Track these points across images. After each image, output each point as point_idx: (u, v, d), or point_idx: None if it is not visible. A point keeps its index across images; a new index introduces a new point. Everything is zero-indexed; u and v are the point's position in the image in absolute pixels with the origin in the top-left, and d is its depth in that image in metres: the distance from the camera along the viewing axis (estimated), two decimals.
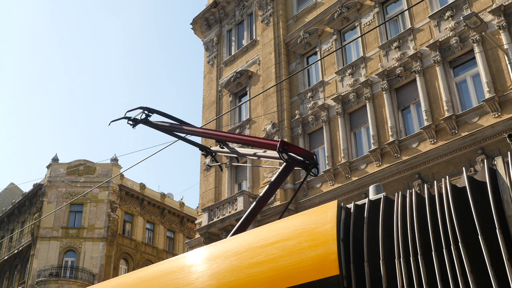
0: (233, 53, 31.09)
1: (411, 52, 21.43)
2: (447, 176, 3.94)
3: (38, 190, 44.88)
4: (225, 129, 29.08)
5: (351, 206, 4.14)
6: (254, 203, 6.60)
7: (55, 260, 40.43)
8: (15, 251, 45.14)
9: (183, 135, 8.12)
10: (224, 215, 25.63)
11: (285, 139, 25.20)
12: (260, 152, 6.95)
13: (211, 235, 25.82)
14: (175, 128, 7.93)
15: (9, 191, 61.07)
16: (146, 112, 7.99)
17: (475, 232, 3.39)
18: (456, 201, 3.61)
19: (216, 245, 4.80)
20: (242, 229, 6.31)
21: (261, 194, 6.63)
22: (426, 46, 20.86)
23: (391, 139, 20.83)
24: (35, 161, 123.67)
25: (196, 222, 30.03)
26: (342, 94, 23.57)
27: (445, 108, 19.50)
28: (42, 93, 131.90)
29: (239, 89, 29.76)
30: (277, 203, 24.07)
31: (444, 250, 3.49)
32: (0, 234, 50.45)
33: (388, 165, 20.70)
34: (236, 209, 24.97)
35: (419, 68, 20.80)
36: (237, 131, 28.29)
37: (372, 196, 4.32)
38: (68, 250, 41.24)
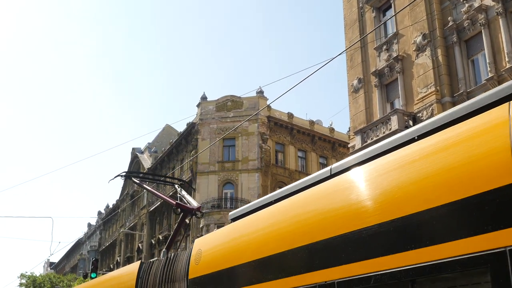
0: None
1: None
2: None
3: (191, 129, 46.70)
4: (371, 45, 27.66)
5: (152, 260, 8.53)
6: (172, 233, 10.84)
7: (215, 193, 42.25)
8: None
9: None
10: (378, 136, 24.70)
11: (439, 50, 23.42)
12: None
13: None
14: (142, 186, 12.57)
15: (165, 132, 64.53)
16: (128, 175, 12.84)
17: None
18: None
19: None
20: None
21: (172, 234, 10.83)
22: None
23: None
24: (186, 101, 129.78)
25: (348, 146, 29.36)
26: None
27: None
28: (188, 36, 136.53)
29: (382, 3, 27.93)
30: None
31: None
32: (163, 172, 53.64)
33: None
34: (390, 129, 23.91)
35: None
36: (384, 47, 26.77)
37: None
38: (226, 183, 42.83)
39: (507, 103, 3.30)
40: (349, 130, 31.83)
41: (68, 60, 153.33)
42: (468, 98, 21.94)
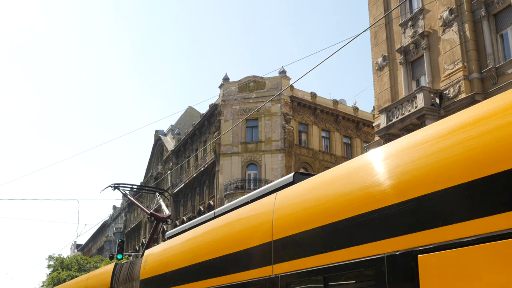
0: None
1: None
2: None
3: (214, 110, 46.55)
4: (396, 22, 27.06)
5: (123, 262, 11.79)
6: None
7: (239, 174, 42.15)
8: (202, 169, 47.87)
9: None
10: (403, 114, 24.24)
11: (466, 25, 22.78)
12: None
13: (391, 136, 24.61)
14: (127, 196, 15.41)
15: (188, 114, 64.51)
16: (116, 185, 14.81)
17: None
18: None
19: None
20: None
21: (148, 239, 12.87)
22: None
23: None
24: (208, 83, 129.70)
25: (373, 125, 28.93)
26: None
27: None
28: (209, 16, 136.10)
29: None
30: (463, 95, 22.08)
31: None
32: (186, 154, 53.75)
33: None
34: (416, 107, 23.44)
35: None
36: (409, 24, 26.18)
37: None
38: (250, 164, 42.68)
39: (274, 194, 5.77)
40: (374, 109, 31.37)
41: (91, 44, 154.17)
42: (497, 74, 21.37)
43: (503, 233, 2.82)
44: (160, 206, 14.97)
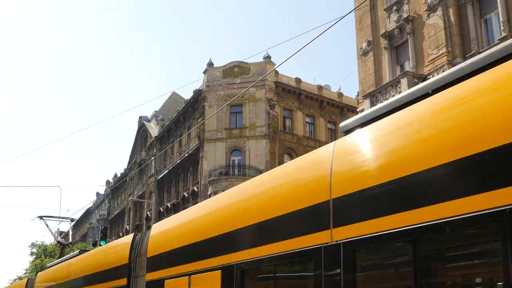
0: None
1: None
2: None
3: (198, 96, 46.25)
4: (381, 6, 26.91)
5: (33, 277, 17.76)
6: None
7: (223, 160, 42.00)
8: (186, 155, 47.65)
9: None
10: (387, 99, 24.14)
11: (450, 9, 22.74)
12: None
13: None
14: (48, 227, 19.63)
15: (172, 99, 64.01)
16: (41, 217, 19.53)
17: None
18: None
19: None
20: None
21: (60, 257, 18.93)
22: None
23: None
24: (192, 68, 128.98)
25: (357, 110, 28.87)
26: None
27: None
28: (193, 2, 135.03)
29: None
30: None
31: None
32: (170, 140, 53.45)
33: None
34: (400, 92, 23.36)
35: None
36: (394, 8, 26.10)
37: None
38: (234, 150, 42.53)
39: (71, 259, 14.03)
40: (358, 95, 31.32)
41: (73, 26, 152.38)
42: None
43: None
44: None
